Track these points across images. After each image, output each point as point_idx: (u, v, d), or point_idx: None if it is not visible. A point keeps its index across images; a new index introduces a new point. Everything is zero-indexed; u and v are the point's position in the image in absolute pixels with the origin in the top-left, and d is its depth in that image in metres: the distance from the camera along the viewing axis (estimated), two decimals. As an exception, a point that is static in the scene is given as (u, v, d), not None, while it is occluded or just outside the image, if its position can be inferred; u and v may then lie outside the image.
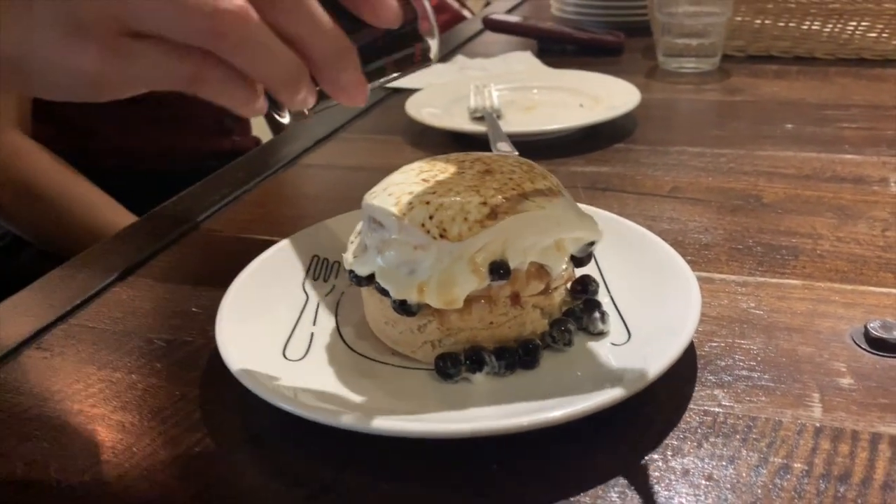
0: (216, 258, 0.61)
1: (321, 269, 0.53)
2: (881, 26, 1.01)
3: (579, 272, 0.48)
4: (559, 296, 0.45)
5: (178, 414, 0.43)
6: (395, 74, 0.40)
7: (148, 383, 0.45)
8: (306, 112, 0.38)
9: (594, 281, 0.48)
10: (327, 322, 0.48)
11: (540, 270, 0.43)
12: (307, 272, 0.53)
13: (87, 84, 0.34)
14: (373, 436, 0.37)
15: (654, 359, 0.40)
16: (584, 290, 0.47)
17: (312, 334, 0.46)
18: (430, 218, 0.41)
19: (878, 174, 0.68)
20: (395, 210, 0.41)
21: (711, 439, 0.38)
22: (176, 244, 0.64)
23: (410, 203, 0.41)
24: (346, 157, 0.84)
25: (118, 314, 0.53)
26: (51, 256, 0.68)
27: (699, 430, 0.39)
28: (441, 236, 0.40)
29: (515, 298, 0.43)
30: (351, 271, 0.44)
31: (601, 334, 0.45)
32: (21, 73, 0.35)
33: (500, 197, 0.41)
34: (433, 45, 0.40)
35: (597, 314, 0.45)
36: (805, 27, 1.04)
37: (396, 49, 0.39)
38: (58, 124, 1.00)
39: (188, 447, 0.40)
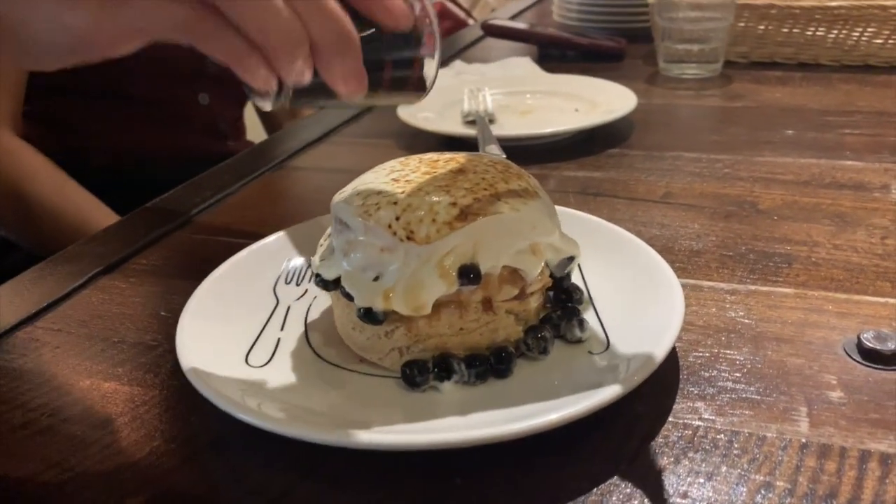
0: (194, 260, 0.60)
1: (294, 273, 0.51)
2: (887, 32, 0.99)
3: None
4: (535, 301, 0.43)
5: (137, 420, 0.41)
6: (388, 93, 0.39)
7: (108, 388, 0.44)
8: (287, 103, 0.36)
9: (576, 287, 0.46)
10: (296, 327, 0.46)
11: (514, 275, 0.41)
12: (279, 276, 0.51)
13: (81, 41, 0.33)
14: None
15: (633, 368, 0.38)
16: (567, 298, 0.45)
17: (279, 340, 0.45)
18: (397, 219, 0.39)
19: (880, 181, 0.66)
20: (360, 210, 0.40)
21: (690, 454, 0.36)
22: (155, 246, 0.62)
23: (377, 203, 0.40)
24: (335, 161, 0.82)
25: (85, 317, 0.51)
26: (40, 260, 0.67)
27: (678, 445, 0.37)
28: (408, 238, 0.38)
29: (487, 304, 0.41)
30: (317, 275, 0.43)
31: (579, 342, 0.43)
32: (14, 40, 0.34)
33: (470, 197, 0.39)
34: (432, 68, 0.38)
35: (575, 321, 0.43)
36: (809, 33, 1.02)
37: (395, 67, 0.38)
38: (48, 124, 0.99)
39: (144, 454, 0.39)
